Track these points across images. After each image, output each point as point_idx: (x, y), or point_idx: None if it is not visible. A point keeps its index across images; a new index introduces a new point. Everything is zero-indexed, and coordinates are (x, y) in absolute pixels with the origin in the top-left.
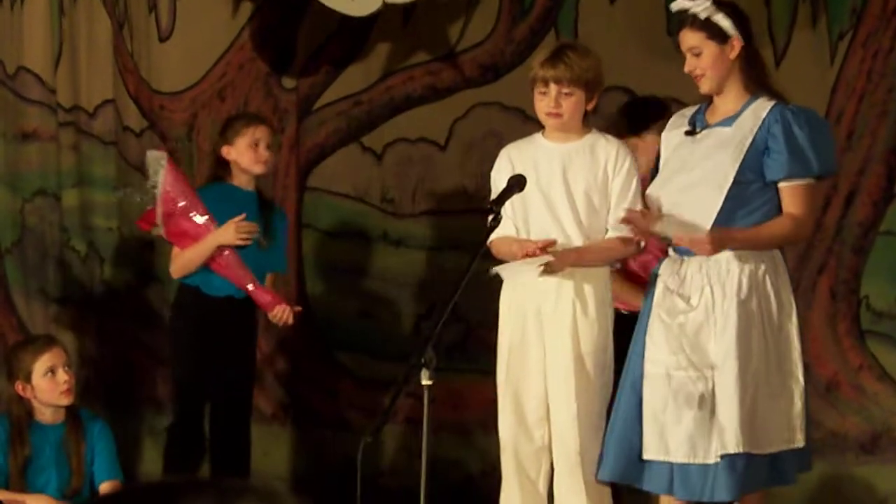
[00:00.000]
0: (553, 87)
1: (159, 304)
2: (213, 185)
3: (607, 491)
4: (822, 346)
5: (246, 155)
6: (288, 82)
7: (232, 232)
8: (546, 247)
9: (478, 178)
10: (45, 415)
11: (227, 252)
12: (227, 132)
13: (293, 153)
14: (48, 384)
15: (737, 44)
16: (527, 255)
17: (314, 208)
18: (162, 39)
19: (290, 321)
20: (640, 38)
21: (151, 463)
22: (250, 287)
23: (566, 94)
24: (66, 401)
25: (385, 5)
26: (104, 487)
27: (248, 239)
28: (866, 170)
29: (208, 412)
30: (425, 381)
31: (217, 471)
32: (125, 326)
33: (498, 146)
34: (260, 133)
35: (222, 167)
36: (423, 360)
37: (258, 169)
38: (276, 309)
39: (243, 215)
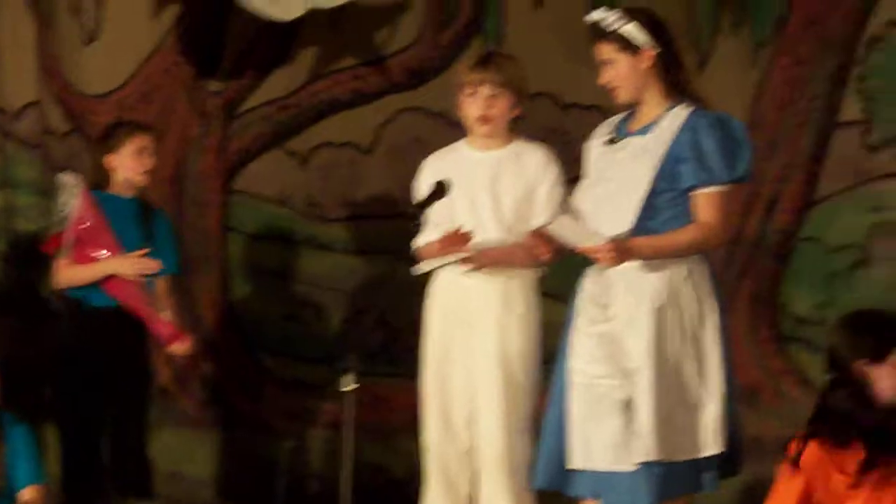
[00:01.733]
0: (482, 90)
1: None
2: (91, 193)
3: (530, 496)
4: (743, 353)
5: (129, 164)
6: (214, 86)
7: (129, 265)
8: (462, 235)
9: (403, 183)
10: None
11: (123, 280)
12: (109, 140)
13: (219, 157)
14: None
15: (649, 54)
16: (446, 245)
17: (239, 212)
18: (87, 42)
19: (189, 352)
20: (566, 45)
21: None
22: (148, 317)
23: (495, 96)
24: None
25: (311, 10)
26: (25, 493)
27: (144, 275)
28: (787, 177)
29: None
30: (348, 387)
31: (118, 488)
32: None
33: (423, 151)
34: (145, 142)
35: (101, 174)
36: (345, 365)
37: (141, 179)
38: (173, 345)
39: (145, 251)
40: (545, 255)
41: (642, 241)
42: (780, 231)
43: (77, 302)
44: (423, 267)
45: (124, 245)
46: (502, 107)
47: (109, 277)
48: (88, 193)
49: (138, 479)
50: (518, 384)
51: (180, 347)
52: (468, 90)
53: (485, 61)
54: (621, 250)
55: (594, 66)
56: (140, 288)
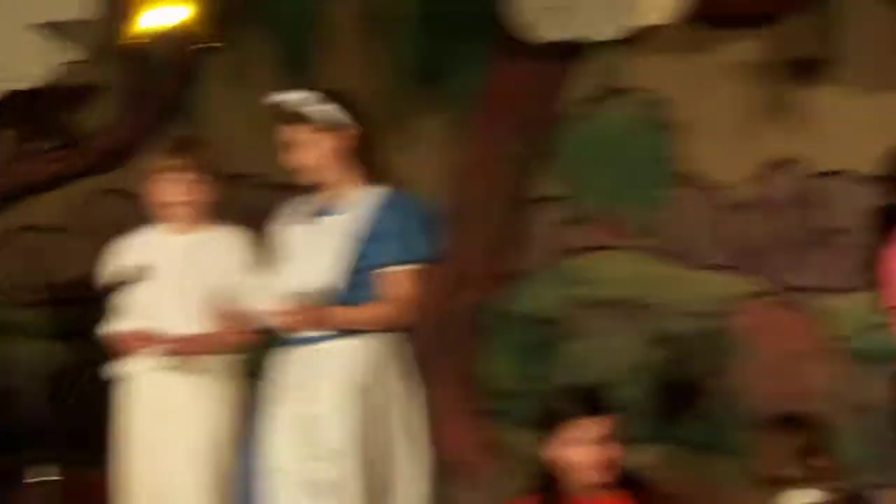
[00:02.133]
0: (175, 176)
1: None
2: None
3: None
4: (446, 428)
5: None
6: None
7: None
8: (147, 334)
9: (99, 265)
10: None
11: None
12: None
13: None
14: None
15: (349, 134)
16: (135, 342)
17: None
18: None
19: None
20: (264, 123)
21: None
22: None
23: (189, 182)
24: None
25: (7, 91)
26: None
27: None
28: (487, 252)
29: None
30: (44, 477)
31: None
32: None
33: (121, 233)
34: None
35: None
36: (42, 455)
37: None
38: None
39: None
40: (242, 334)
41: (335, 310)
42: (479, 305)
43: None
44: (117, 369)
45: None
46: (196, 192)
47: None
48: None
49: None
50: (217, 471)
51: None
52: (162, 175)
53: (178, 147)
54: (312, 315)
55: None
56: None
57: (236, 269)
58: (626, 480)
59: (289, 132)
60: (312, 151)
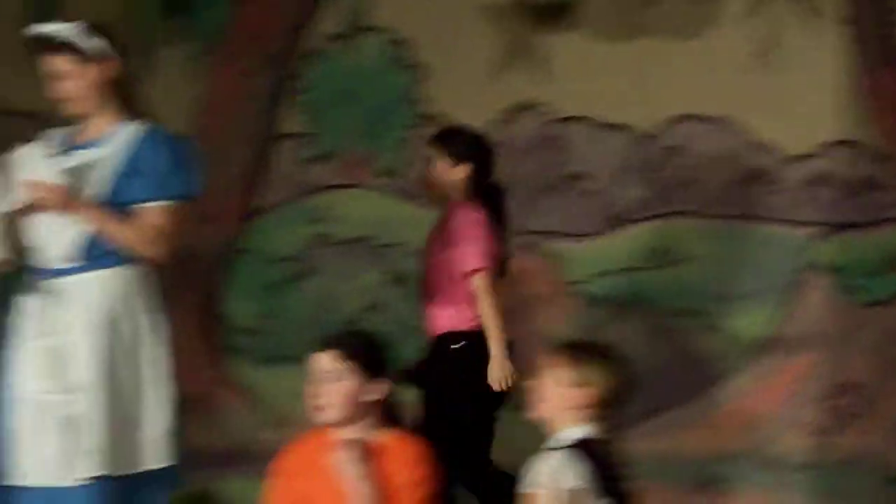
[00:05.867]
0: None
1: None
2: None
3: None
4: (186, 364)
5: None
6: None
7: None
8: None
9: None
10: None
11: None
12: None
13: None
14: None
15: (110, 66)
16: None
17: None
18: None
19: None
20: (3, 50)
21: None
22: None
23: None
24: None
25: None
26: None
27: None
28: (229, 188)
29: None
30: None
31: None
32: None
33: None
34: None
35: None
36: None
37: None
38: None
39: None
40: None
41: (92, 205)
42: (221, 242)
43: None
44: None
45: None
46: None
47: None
48: None
49: None
50: None
51: None
52: None
53: None
54: (68, 198)
55: (32, 75)
56: None
57: None
58: (387, 418)
59: (55, 62)
60: (77, 82)
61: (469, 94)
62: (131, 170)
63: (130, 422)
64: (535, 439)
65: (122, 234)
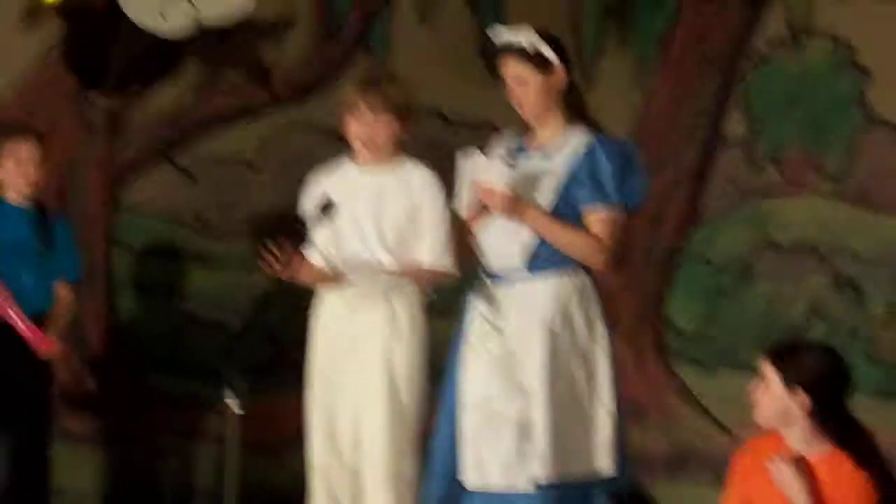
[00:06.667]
0: (366, 114)
1: None
2: None
3: None
4: (627, 368)
5: (12, 174)
6: (99, 99)
7: None
8: None
9: (290, 198)
10: None
11: None
12: None
13: (104, 171)
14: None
15: (561, 76)
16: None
17: (126, 227)
18: None
19: (57, 356)
20: (452, 60)
21: None
22: (14, 322)
23: (380, 120)
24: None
25: (199, 27)
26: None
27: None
28: (673, 194)
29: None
30: (233, 403)
31: None
32: None
33: (310, 167)
34: (25, 151)
35: None
36: (231, 382)
37: (25, 189)
38: (41, 350)
39: None
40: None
41: (539, 212)
42: (665, 247)
43: None
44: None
45: (22, 251)
46: (387, 130)
47: None
48: None
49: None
50: (404, 406)
51: (48, 352)
52: (354, 111)
53: (370, 84)
54: (515, 203)
55: (479, 81)
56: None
57: (425, 206)
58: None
59: (517, 68)
60: (534, 88)
61: None
62: (580, 178)
63: (577, 428)
64: None
65: (569, 241)
